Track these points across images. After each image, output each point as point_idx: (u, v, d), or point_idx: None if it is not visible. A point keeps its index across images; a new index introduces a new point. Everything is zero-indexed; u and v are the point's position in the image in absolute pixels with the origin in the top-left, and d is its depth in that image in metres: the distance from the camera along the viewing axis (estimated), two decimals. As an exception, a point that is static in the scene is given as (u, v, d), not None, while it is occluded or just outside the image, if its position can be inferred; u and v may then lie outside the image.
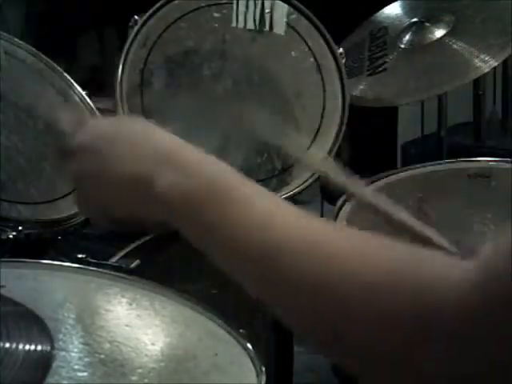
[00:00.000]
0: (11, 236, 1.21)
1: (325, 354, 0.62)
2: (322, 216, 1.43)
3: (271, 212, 0.63)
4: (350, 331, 0.57)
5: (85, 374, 0.79)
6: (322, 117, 1.55)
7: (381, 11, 1.95)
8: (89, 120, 0.81)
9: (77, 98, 1.46)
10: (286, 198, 1.48)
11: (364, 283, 0.56)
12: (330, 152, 1.51)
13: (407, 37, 1.84)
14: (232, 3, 1.55)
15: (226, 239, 0.63)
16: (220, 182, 0.67)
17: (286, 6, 1.58)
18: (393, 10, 1.94)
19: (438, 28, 1.81)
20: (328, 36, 1.58)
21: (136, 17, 1.50)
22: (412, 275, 0.55)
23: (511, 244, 0.51)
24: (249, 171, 1.50)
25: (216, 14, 1.55)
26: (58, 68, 1.46)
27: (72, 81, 1.47)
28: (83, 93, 1.47)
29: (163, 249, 1.42)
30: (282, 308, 0.62)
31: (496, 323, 0.51)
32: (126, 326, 0.90)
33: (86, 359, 0.82)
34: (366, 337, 0.56)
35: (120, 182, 0.71)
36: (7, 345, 0.76)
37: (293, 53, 1.58)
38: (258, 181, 1.61)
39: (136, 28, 1.49)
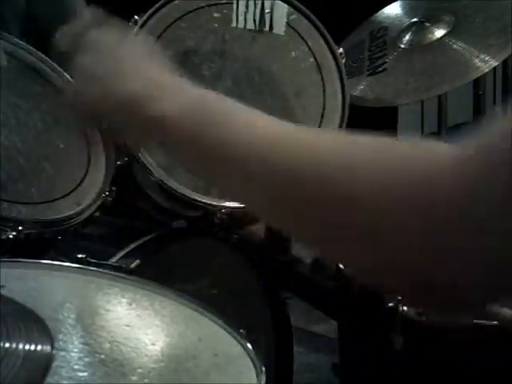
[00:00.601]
0: (11, 236, 1.21)
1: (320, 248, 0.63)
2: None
3: (271, 127, 0.65)
4: (355, 220, 0.58)
5: (85, 374, 0.79)
6: (322, 117, 1.55)
7: (381, 11, 1.95)
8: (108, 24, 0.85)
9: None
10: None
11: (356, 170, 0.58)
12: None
13: (407, 37, 1.84)
14: (232, 3, 1.55)
15: (228, 157, 0.64)
16: (215, 103, 0.69)
17: (285, 5, 1.58)
18: (393, 10, 1.94)
19: (438, 28, 1.81)
20: (328, 36, 1.58)
21: (136, 17, 1.50)
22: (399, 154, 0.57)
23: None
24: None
25: (216, 14, 1.55)
26: (58, 68, 1.46)
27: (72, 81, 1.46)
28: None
29: (163, 249, 1.42)
30: (283, 212, 0.62)
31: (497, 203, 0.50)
32: (126, 325, 0.90)
33: (86, 359, 0.82)
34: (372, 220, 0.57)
35: (117, 96, 0.73)
36: (7, 345, 0.76)
37: (293, 53, 1.58)
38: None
39: (136, 28, 1.48)
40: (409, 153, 0.58)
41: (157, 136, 0.71)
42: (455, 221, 0.52)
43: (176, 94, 0.70)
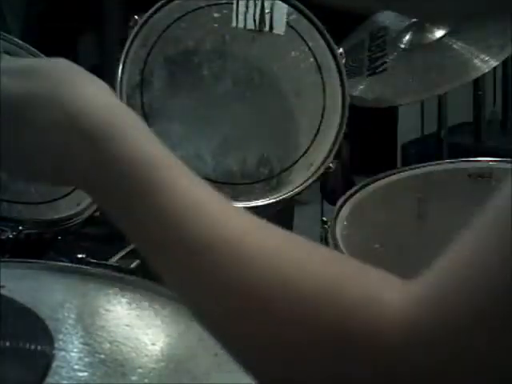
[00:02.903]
0: (11, 236, 1.21)
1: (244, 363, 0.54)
2: (322, 216, 1.43)
3: (203, 202, 0.56)
4: (271, 334, 0.51)
5: (85, 374, 0.79)
6: (321, 117, 1.55)
7: (381, 11, 1.95)
8: None
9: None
10: (286, 198, 1.48)
11: (287, 285, 0.51)
12: (329, 152, 1.51)
13: (407, 37, 1.84)
14: (232, 3, 1.55)
15: (150, 225, 0.56)
16: (146, 160, 0.57)
17: (285, 6, 1.58)
18: (393, 10, 1.94)
19: (438, 28, 1.81)
20: (328, 36, 1.58)
21: (136, 17, 1.50)
22: (339, 290, 0.50)
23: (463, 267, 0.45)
24: (248, 171, 1.50)
25: (216, 14, 1.55)
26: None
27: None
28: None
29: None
30: (198, 308, 0.56)
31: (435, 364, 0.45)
32: (126, 325, 0.90)
33: (86, 359, 0.82)
34: (285, 342, 0.51)
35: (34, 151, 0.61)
36: (7, 344, 0.76)
37: (293, 53, 1.58)
38: (257, 181, 1.61)
39: (136, 28, 1.48)
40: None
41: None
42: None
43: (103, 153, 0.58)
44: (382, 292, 0.48)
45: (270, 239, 0.55)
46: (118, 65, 1.46)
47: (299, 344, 0.50)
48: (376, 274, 0.51)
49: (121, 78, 1.46)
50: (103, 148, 0.58)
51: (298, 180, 1.50)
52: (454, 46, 1.76)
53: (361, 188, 1.43)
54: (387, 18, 1.93)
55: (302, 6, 1.59)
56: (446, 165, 1.52)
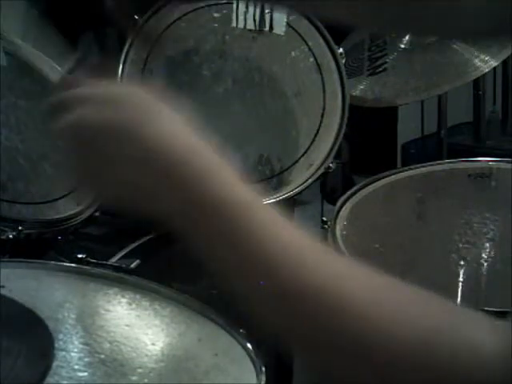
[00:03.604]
0: (11, 236, 1.21)
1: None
2: (322, 216, 1.43)
3: (303, 247, 0.57)
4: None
5: (85, 374, 0.79)
6: (321, 117, 1.55)
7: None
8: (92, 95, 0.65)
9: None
10: (286, 198, 1.48)
11: (395, 337, 0.52)
12: (330, 152, 1.51)
13: (407, 37, 1.84)
14: (232, 3, 1.55)
15: (238, 265, 0.57)
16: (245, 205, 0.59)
17: (286, 6, 1.58)
18: (393, 10, 1.94)
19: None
20: (328, 36, 1.58)
21: (136, 17, 1.49)
22: (450, 338, 0.50)
23: None
24: (248, 171, 1.50)
25: (216, 14, 1.55)
26: (58, 68, 1.46)
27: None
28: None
29: (163, 249, 1.42)
30: (297, 341, 0.57)
31: None
32: (126, 326, 0.90)
33: (86, 359, 0.82)
34: None
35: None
36: (7, 345, 0.76)
37: (293, 53, 1.58)
38: (257, 181, 1.61)
39: (136, 28, 1.48)
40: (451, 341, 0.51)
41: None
42: None
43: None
44: (477, 339, 0.50)
45: (362, 285, 0.55)
46: (118, 65, 1.46)
47: None
48: (469, 317, 0.52)
49: (121, 78, 1.46)
50: (194, 188, 0.58)
51: (298, 180, 1.49)
52: (454, 46, 1.76)
53: (361, 188, 1.43)
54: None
55: (302, 6, 1.58)
56: (446, 165, 1.52)
